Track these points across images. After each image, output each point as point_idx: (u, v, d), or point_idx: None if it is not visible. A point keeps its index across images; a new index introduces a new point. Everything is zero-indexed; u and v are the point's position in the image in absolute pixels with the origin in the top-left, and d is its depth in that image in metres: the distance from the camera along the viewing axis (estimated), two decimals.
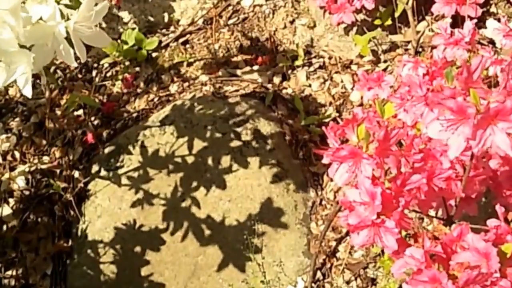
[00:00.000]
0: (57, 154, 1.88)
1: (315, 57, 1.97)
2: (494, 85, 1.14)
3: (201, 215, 1.70)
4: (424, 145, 1.10)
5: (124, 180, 1.78)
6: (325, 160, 1.04)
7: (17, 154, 1.89)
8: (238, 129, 1.79)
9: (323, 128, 1.09)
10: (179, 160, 1.77)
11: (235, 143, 1.77)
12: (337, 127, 1.06)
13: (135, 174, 1.78)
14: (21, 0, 1.08)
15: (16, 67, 1.11)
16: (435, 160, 1.06)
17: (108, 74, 2.01)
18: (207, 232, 1.69)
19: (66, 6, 1.13)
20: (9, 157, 1.88)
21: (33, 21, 1.08)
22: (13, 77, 1.12)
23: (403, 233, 1.03)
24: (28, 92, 1.11)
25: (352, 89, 1.89)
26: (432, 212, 1.17)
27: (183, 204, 1.72)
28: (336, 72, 1.93)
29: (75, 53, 1.12)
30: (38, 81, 1.89)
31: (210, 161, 1.75)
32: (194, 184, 1.73)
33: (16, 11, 1.06)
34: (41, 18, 1.09)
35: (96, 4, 1.11)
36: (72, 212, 1.79)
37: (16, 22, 1.06)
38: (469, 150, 0.90)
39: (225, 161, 1.75)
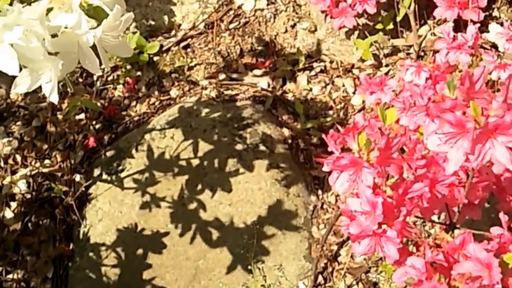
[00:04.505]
0: (59, 158, 1.88)
1: (316, 61, 1.97)
2: (497, 90, 1.14)
3: (201, 219, 1.70)
4: (427, 150, 1.09)
5: (125, 184, 1.78)
6: (325, 169, 1.04)
7: (18, 158, 1.89)
8: (238, 133, 1.79)
9: (323, 135, 1.09)
10: (180, 164, 1.77)
11: (235, 147, 1.77)
12: (337, 135, 1.06)
13: (137, 178, 1.78)
14: (46, 8, 1.08)
15: (42, 74, 1.11)
16: (438, 166, 1.06)
17: (110, 78, 2.01)
18: (208, 236, 1.69)
19: (87, 15, 1.13)
20: (10, 161, 1.88)
21: (60, 29, 1.09)
22: (37, 84, 1.12)
23: (405, 239, 1.03)
24: (54, 98, 1.11)
25: (353, 93, 1.88)
26: (434, 217, 1.17)
27: (184, 208, 1.72)
28: (338, 76, 1.93)
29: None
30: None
31: (210, 165, 1.75)
32: (194, 188, 1.73)
33: (43, 20, 1.06)
34: (66, 27, 1.09)
35: (122, 15, 1.11)
36: (73, 216, 1.79)
37: (43, 30, 1.06)
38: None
39: (225, 165, 1.75)
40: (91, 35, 1.09)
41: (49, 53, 1.09)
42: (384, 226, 0.97)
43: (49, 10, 1.11)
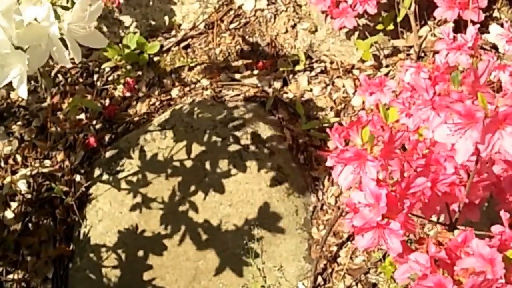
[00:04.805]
0: (59, 158, 1.88)
1: (316, 61, 1.97)
2: (497, 90, 1.15)
3: (201, 220, 1.70)
4: (427, 149, 1.09)
5: (125, 185, 1.78)
6: (329, 163, 1.03)
7: (18, 158, 1.89)
8: (238, 134, 1.79)
9: (327, 130, 1.09)
10: (179, 164, 1.77)
11: (235, 148, 1.77)
12: (341, 129, 1.06)
13: (136, 179, 1.78)
14: (14, 2, 1.07)
15: (10, 69, 1.10)
16: (438, 165, 1.06)
17: (110, 78, 2.02)
18: (208, 236, 1.69)
19: (62, 7, 1.12)
20: (10, 161, 1.88)
21: (27, 23, 1.08)
22: (7, 80, 1.11)
23: (406, 238, 1.03)
24: (23, 93, 1.11)
25: (353, 94, 1.89)
26: (434, 218, 1.17)
27: (183, 209, 1.72)
28: (338, 77, 1.93)
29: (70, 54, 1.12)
30: (41, 85, 1.89)
31: (210, 166, 1.75)
32: (194, 188, 1.73)
33: (9, 13, 1.05)
34: (35, 20, 1.08)
35: (90, 5, 1.11)
36: (73, 216, 1.79)
37: (8, 24, 1.05)
38: (474, 155, 0.90)
39: (225, 165, 1.74)
40: (56, 27, 1.08)
41: (17, 48, 1.08)
42: (387, 219, 0.97)
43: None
